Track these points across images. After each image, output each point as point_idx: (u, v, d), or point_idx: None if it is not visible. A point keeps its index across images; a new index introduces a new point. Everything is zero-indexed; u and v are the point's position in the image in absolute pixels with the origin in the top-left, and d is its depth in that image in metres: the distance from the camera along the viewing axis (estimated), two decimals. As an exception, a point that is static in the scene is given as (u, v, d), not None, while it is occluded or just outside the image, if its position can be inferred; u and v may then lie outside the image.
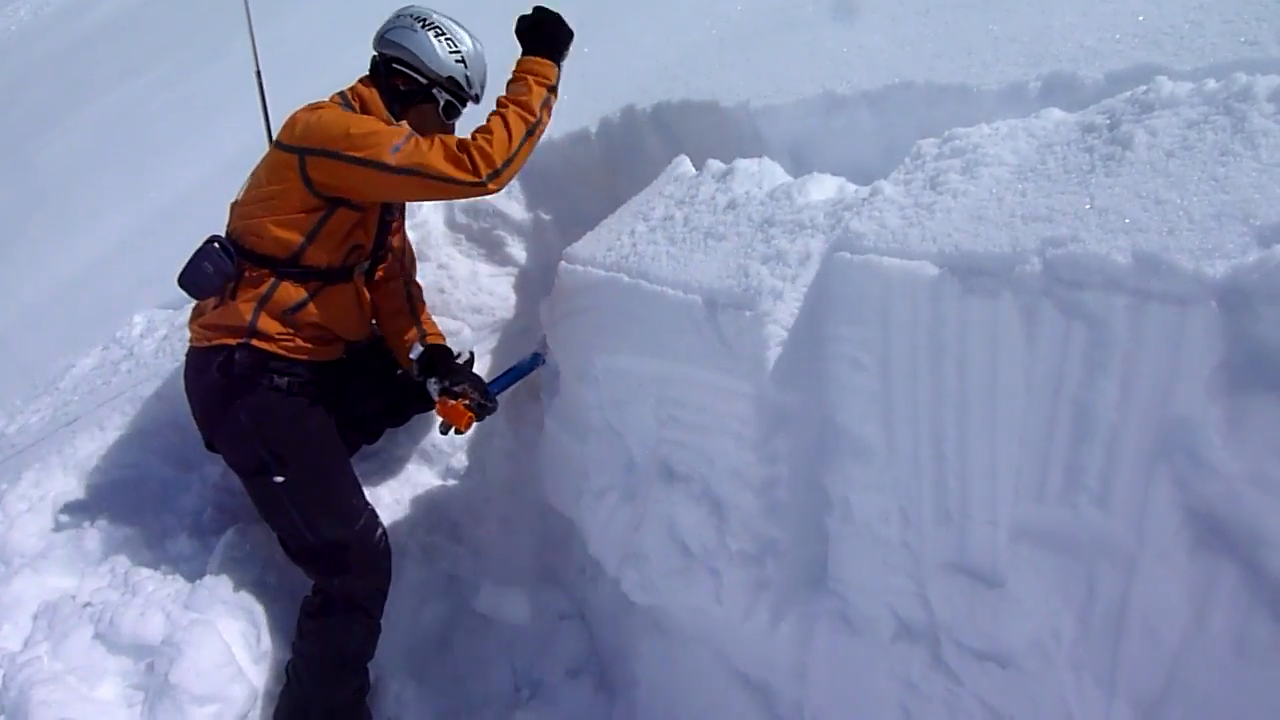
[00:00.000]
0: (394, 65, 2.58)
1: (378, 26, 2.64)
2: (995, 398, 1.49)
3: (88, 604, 2.54)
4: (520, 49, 2.49)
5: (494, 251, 3.38)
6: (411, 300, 2.83)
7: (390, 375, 2.84)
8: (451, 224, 3.36)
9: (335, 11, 6.06)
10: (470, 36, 2.63)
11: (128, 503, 2.88)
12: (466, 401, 2.53)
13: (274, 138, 2.59)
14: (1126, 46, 2.13)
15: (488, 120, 2.37)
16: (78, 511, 2.85)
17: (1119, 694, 1.41)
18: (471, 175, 2.28)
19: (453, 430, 2.57)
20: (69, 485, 2.94)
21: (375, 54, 2.63)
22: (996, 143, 1.67)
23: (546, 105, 2.44)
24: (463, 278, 3.30)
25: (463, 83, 2.60)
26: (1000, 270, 1.43)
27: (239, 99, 4.09)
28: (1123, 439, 1.33)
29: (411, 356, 2.65)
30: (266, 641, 2.53)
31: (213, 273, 2.48)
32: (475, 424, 2.58)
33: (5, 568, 2.72)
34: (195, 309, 2.64)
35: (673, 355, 1.97)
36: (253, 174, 2.57)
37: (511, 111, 2.37)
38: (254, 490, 2.53)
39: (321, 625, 2.46)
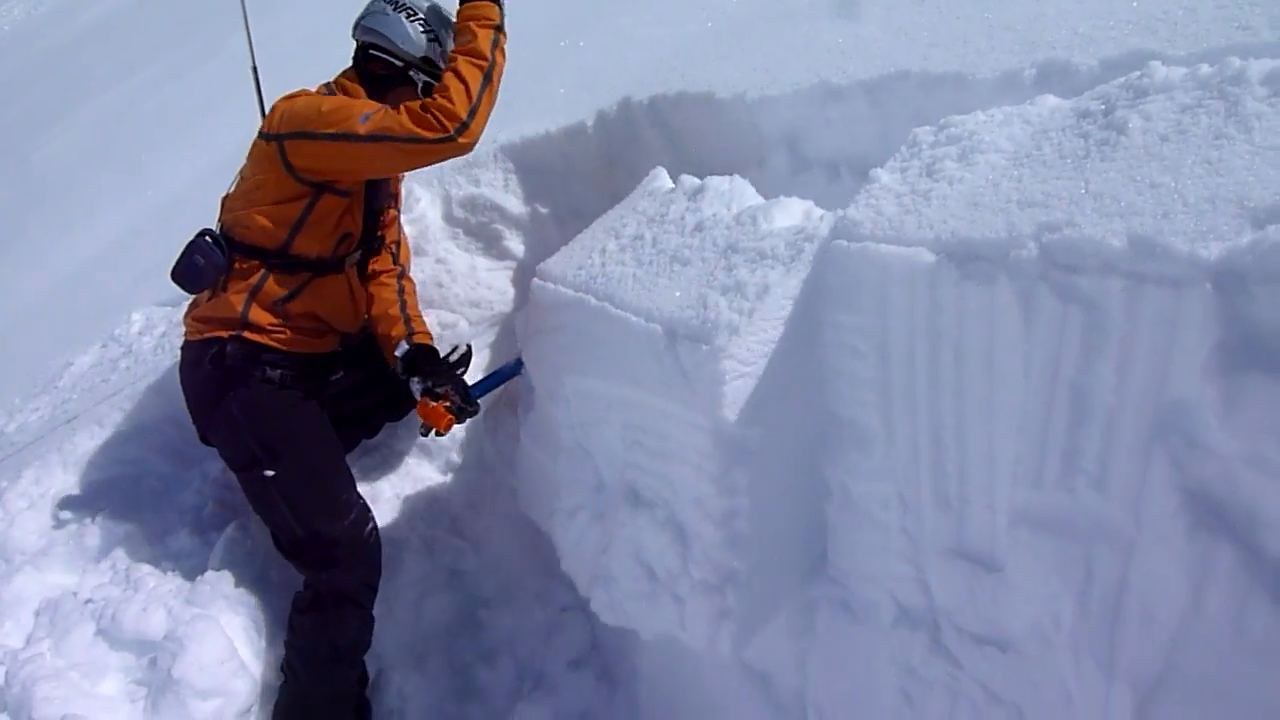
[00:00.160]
0: (371, 51, 2.58)
1: None
2: (993, 383, 1.49)
3: (89, 600, 2.54)
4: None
5: (492, 245, 3.38)
6: (403, 296, 2.82)
7: (386, 369, 2.84)
8: (449, 218, 3.36)
9: (331, 6, 6.05)
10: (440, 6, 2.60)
11: (128, 499, 2.89)
12: (447, 404, 2.52)
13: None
14: (1120, 33, 2.13)
15: (442, 78, 2.33)
16: (78, 508, 2.86)
17: (1118, 676, 1.42)
18: (439, 131, 2.25)
19: (433, 432, 2.56)
20: (69, 482, 2.94)
21: (355, 42, 2.63)
22: (992, 130, 1.67)
23: (497, 46, 2.37)
24: (461, 272, 3.29)
25: (438, 61, 2.58)
26: (997, 256, 1.43)
27: (235, 96, 4.10)
28: (1120, 422, 1.33)
29: (397, 354, 2.65)
30: (269, 636, 2.54)
31: (204, 265, 2.48)
32: (456, 426, 2.57)
33: (6, 565, 2.73)
34: (191, 303, 2.65)
35: (636, 382, 1.95)
36: (241, 168, 2.58)
37: (462, 62, 2.32)
38: (245, 484, 2.53)
39: (313, 620, 2.46)
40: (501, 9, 2.42)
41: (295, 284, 2.52)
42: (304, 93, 2.52)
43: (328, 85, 2.60)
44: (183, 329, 2.65)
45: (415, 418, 3.13)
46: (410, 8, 2.57)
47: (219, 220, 2.59)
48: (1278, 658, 1.23)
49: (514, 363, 2.90)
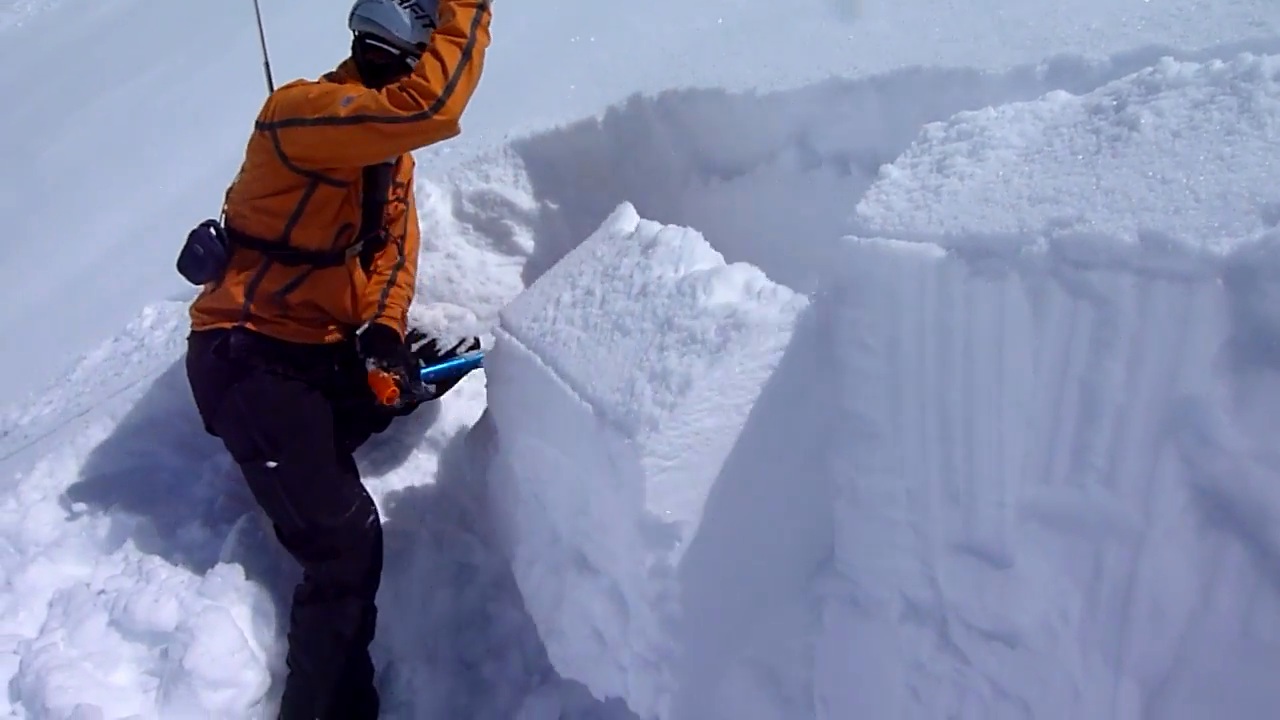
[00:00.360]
0: (368, 41, 2.57)
1: None
2: (1002, 378, 1.49)
3: (102, 591, 2.56)
4: None
5: (501, 241, 3.39)
6: (389, 286, 2.83)
7: None
8: (459, 213, 3.38)
9: (342, 3, 6.06)
10: None
11: (140, 491, 2.91)
12: (396, 377, 2.58)
13: None
14: (1132, 29, 2.13)
15: (420, 58, 2.32)
16: (91, 500, 2.88)
17: (1126, 672, 1.41)
18: (414, 109, 2.22)
19: (382, 401, 2.58)
20: (82, 475, 2.97)
21: (353, 33, 2.63)
22: (1003, 125, 1.66)
23: (479, 24, 2.33)
24: (470, 267, 3.31)
25: None
26: (1007, 251, 1.43)
27: (245, 93, 4.10)
28: (1130, 418, 1.33)
29: (357, 334, 2.69)
30: (279, 628, 2.56)
31: (203, 254, 2.50)
32: (402, 401, 2.63)
33: (21, 556, 2.75)
34: (198, 295, 2.66)
35: (574, 454, 1.95)
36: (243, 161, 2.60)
37: (440, 41, 2.29)
38: (249, 475, 2.55)
39: (314, 612, 2.47)
40: None
41: (295, 275, 2.53)
42: (300, 82, 2.51)
43: (328, 76, 2.60)
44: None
45: (425, 411, 3.15)
46: None
47: (222, 211, 2.61)
48: (1287, 655, 1.23)
49: (474, 356, 2.91)
